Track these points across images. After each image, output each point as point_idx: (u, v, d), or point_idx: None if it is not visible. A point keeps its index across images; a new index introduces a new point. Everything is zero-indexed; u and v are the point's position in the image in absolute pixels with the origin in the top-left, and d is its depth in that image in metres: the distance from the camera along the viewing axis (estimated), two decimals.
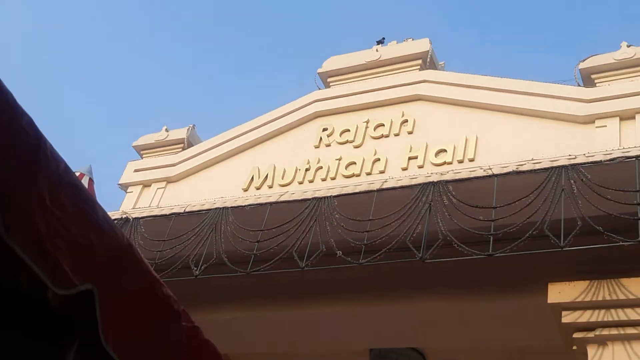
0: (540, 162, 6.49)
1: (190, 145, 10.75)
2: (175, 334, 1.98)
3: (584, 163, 6.23)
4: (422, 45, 10.04)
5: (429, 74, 9.56)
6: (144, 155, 11.00)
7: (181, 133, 10.90)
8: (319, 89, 10.30)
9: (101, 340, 1.70)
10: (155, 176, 10.46)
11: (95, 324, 1.71)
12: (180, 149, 10.72)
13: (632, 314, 6.16)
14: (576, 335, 6.34)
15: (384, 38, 10.49)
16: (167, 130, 11.08)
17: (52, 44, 33.32)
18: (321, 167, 9.19)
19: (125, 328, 1.76)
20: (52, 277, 1.56)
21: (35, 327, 1.94)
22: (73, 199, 1.63)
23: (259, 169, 9.60)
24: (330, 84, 10.28)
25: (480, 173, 6.71)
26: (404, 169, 8.50)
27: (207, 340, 2.14)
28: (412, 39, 10.25)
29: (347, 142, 9.37)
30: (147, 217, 8.02)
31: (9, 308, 1.95)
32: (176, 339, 1.98)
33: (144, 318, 1.85)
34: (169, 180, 10.35)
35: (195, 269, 7.17)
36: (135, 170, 10.70)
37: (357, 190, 7.23)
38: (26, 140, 1.51)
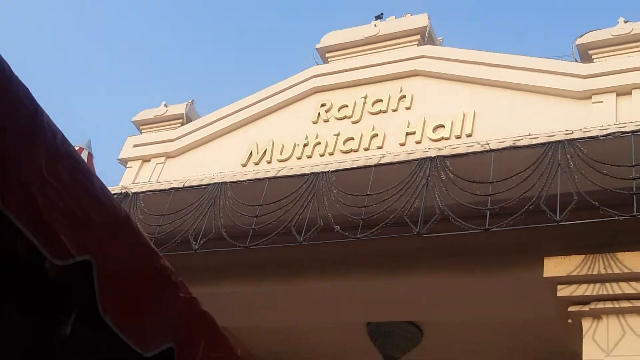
0: (537, 137, 6.48)
1: (189, 120, 10.72)
2: (173, 305, 1.99)
3: (581, 138, 6.22)
4: (420, 20, 9.98)
5: (427, 49, 9.51)
6: (143, 131, 10.98)
7: (180, 108, 10.86)
8: (317, 64, 10.25)
9: (99, 311, 1.70)
10: (155, 151, 10.44)
11: (93, 295, 1.71)
12: (179, 125, 10.69)
13: (626, 288, 6.19)
14: (571, 308, 6.37)
15: (382, 13, 10.43)
16: (166, 106, 11.04)
17: (49, 16, 33.04)
18: (319, 143, 9.18)
19: (123, 299, 1.76)
20: (49, 247, 1.56)
21: (33, 299, 1.94)
22: (70, 170, 1.62)
23: (257, 145, 9.59)
24: (329, 60, 10.22)
25: (477, 148, 6.70)
26: (402, 145, 8.49)
27: (205, 312, 2.15)
28: (411, 14, 10.18)
29: (345, 117, 9.34)
30: (146, 192, 8.02)
31: (6, 279, 1.95)
32: (174, 310, 1.98)
33: (142, 289, 1.85)
34: (168, 156, 10.34)
35: (194, 243, 7.18)
36: (135, 146, 10.68)
37: (354, 166, 7.22)
38: (23, 111, 1.50)
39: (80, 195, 1.63)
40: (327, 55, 10.27)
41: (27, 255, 1.59)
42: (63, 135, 1.64)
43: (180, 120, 10.75)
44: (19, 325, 2.17)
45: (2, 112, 1.48)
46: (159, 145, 10.50)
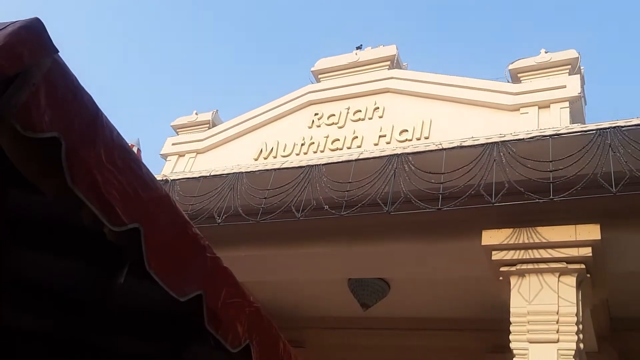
0: (478, 140, 6.49)
1: (214, 125, 10.68)
2: (201, 262, 1.98)
3: (511, 140, 6.23)
4: (390, 50, 9.95)
5: (395, 72, 9.50)
6: (179, 132, 10.93)
7: (207, 116, 10.82)
8: (312, 83, 10.22)
9: (145, 266, 1.70)
10: (188, 148, 10.41)
11: (141, 253, 1.70)
12: (207, 128, 10.66)
13: (544, 254, 6.22)
14: (502, 269, 6.40)
15: (361, 44, 10.42)
16: (196, 114, 10.99)
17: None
18: (313, 143, 9.17)
19: (163, 257, 1.76)
20: (107, 216, 1.55)
21: (96, 256, 1.93)
22: (123, 158, 1.61)
23: (266, 144, 9.57)
24: (321, 79, 10.20)
25: (433, 147, 6.70)
26: (376, 145, 8.49)
27: (226, 267, 2.14)
28: (383, 45, 10.15)
29: (333, 124, 9.33)
30: (181, 179, 7.99)
31: (76, 241, 1.94)
32: (202, 266, 1.97)
33: (178, 250, 1.84)
34: (198, 152, 10.31)
35: (217, 218, 7.16)
36: (173, 144, 10.64)
37: (340, 160, 7.21)
38: (87, 112, 1.49)
39: (130, 177, 1.62)
40: (319, 76, 10.24)
41: (91, 223, 1.58)
42: (118, 132, 1.63)
43: (207, 125, 10.70)
44: (87, 275, 2.17)
45: (72, 114, 1.47)
46: (191, 144, 10.46)
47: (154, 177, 1.86)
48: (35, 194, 1.61)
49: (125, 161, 1.62)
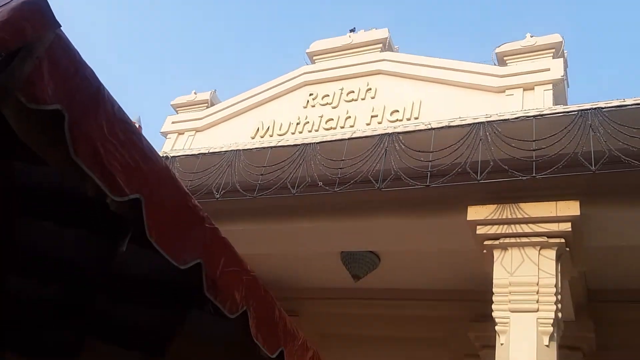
0: (465, 120, 6.48)
1: (212, 104, 10.60)
2: (200, 232, 1.98)
3: (497, 120, 6.23)
4: (382, 33, 9.86)
5: (387, 54, 9.43)
6: (178, 111, 10.84)
7: (206, 95, 10.73)
8: (307, 64, 10.14)
9: (147, 234, 1.69)
10: (187, 127, 10.34)
11: (142, 223, 1.69)
12: (205, 107, 10.58)
13: (526, 228, 6.26)
14: (486, 242, 6.45)
15: (354, 27, 10.29)
16: (195, 93, 10.90)
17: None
18: (308, 122, 9.13)
19: (164, 226, 1.76)
20: (110, 187, 1.54)
21: (100, 226, 1.93)
22: (124, 130, 1.60)
23: (262, 123, 9.51)
24: (315, 61, 10.11)
25: (422, 127, 6.69)
26: (368, 124, 8.47)
27: (224, 237, 2.14)
28: (376, 29, 10.06)
29: (327, 104, 9.28)
30: (181, 156, 7.95)
31: (80, 211, 1.94)
32: (201, 236, 1.98)
33: (178, 220, 1.84)
34: (197, 130, 10.24)
35: (216, 193, 7.16)
36: (173, 122, 10.56)
37: (333, 139, 7.19)
38: (89, 85, 1.47)
39: (131, 149, 1.61)
40: (314, 57, 10.15)
41: (94, 194, 1.57)
42: (119, 106, 1.61)
43: (206, 104, 10.63)
44: (91, 243, 2.18)
45: (74, 87, 1.45)
46: (190, 122, 10.39)
47: (154, 149, 1.84)
48: (40, 166, 1.60)
49: (126, 134, 1.61)
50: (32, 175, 1.96)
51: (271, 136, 9.11)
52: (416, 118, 8.14)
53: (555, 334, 5.81)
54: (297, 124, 9.17)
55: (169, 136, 10.41)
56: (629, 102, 5.62)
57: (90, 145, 1.45)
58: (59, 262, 2.32)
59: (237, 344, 2.69)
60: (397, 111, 8.48)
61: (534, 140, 5.85)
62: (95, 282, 2.34)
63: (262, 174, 7.05)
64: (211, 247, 2.00)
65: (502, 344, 5.89)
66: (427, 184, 6.16)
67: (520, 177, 5.84)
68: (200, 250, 1.94)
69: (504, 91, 7.83)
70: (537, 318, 5.83)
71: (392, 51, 9.81)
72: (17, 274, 2.29)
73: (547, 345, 5.70)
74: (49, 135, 1.45)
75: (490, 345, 6.65)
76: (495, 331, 6.01)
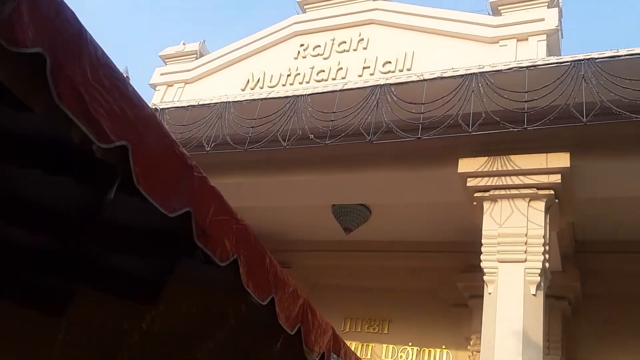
0: (458, 71, 6.43)
1: (201, 55, 10.42)
2: (189, 181, 1.98)
3: (490, 71, 6.19)
4: None
5: (380, 3, 9.24)
6: (167, 63, 10.66)
7: (195, 46, 10.53)
8: (298, 14, 9.93)
9: (135, 182, 1.69)
10: (176, 78, 10.19)
11: (130, 170, 1.69)
12: (194, 58, 10.40)
13: (516, 180, 6.33)
14: (476, 194, 6.52)
15: None
16: (184, 44, 10.69)
17: None
18: (299, 74, 9.02)
19: (152, 174, 1.75)
20: (95, 134, 1.53)
21: (87, 173, 1.92)
22: (109, 77, 1.57)
23: (252, 74, 9.40)
24: (307, 10, 9.90)
25: (414, 78, 6.64)
26: (360, 76, 8.39)
27: (213, 186, 2.14)
28: None
29: (318, 55, 9.15)
30: (170, 108, 7.88)
31: (68, 159, 1.93)
32: (190, 184, 1.98)
33: (165, 167, 1.84)
34: (186, 82, 10.11)
35: (207, 146, 7.14)
36: (161, 74, 10.40)
37: (325, 91, 7.14)
38: (70, 29, 1.44)
39: (117, 95, 1.59)
40: (305, 7, 9.93)
41: (80, 141, 1.56)
42: (103, 50, 1.58)
43: (195, 55, 10.44)
44: (79, 193, 2.17)
45: (55, 30, 1.42)
46: (179, 74, 10.24)
47: (140, 96, 1.82)
48: (25, 112, 1.58)
49: (111, 80, 1.58)
50: (17, 123, 1.94)
51: (261, 88, 9.02)
52: (408, 69, 8.07)
53: (542, 284, 5.96)
54: (288, 75, 9.07)
55: (157, 88, 10.28)
56: (622, 52, 5.59)
57: (74, 91, 1.43)
58: (47, 211, 2.32)
59: (228, 292, 2.74)
60: (389, 62, 8.39)
61: (526, 92, 5.84)
62: (85, 231, 2.36)
63: (252, 127, 7.02)
64: (200, 196, 2.00)
65: (490, 293, 6.04)
66: (419, 136, 6.16)
67: (512, 129, 5.86)
68: (189, 198, 1.94)
69: (498, 42, 7.74)
70: (525, 268, 5.96)
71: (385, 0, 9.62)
72: (3, 222, 2.30)
73: (534, 294, 5.86)
74: (32, 81, 1.43)
75: (478, 295, 6.82)
76: (483, 281, 6.15)
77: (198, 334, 3.16)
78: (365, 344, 9.33)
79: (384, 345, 9.25)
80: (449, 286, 8.73)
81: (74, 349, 3.07)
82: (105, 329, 2.97)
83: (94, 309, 2.85)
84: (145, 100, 1.87)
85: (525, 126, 5.74)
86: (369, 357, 9.13)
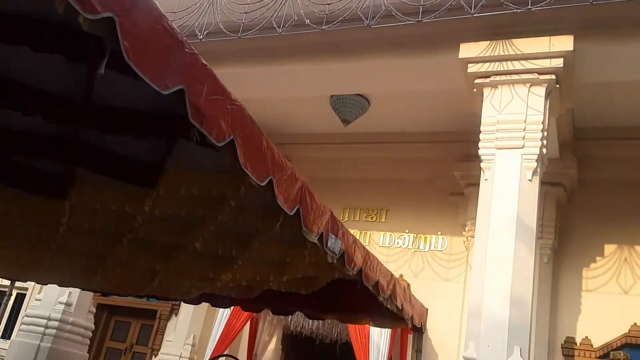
0: None
1: None
2: (180, 57, 1.96)
3: None
4: None
5: None
6: None
7: None
8: None
9: (125, 57, 1.67)
10: None
11: (119, 45, 1.67)
12: None
13: (517, 65, 6.21)
14: (476, 81, 6.42)
15: None
16: None
17: None
18: None
19: (141, 47, 1.73)
20: (80, 5, 1.50)
21: (76, 50, 1.90)
22: None
23: None
24: None
25: None
26: None
27: (206, 64, 2.12)
28: None
29: None
30: None
31: (55, 36, 1.90)
32: (182, 61, 1.96)
33: (155, 41, 1.81)
34: None
35: (199, 34, 6.94)
36: None
37: None
38: None
39: None
40: None
41: (64, 13, 1.52)
42: None
43: None
44: (69, 70, 2.15)
45: None
46: None
47: None
48: None
49: None
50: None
51: None
52: None
53: (538, 169, 6.04)
54: None
55: None
56: None
57: None
58: (38, 92, 2.31)
59: (227, 174, 2.80)
60: None
61: None
62: (78, 113, 2.36)
63: (246, 12, 6.78)
64: (193, 73, 1.99)
65: (486, 180, 6.15)
66: (419, 19, 5.98)
67: (515, 10, 5.67)
68: (181, 75, 1.93)
69: None
70: (522, 154, 6.02)
71: None
72: None
73: (530, 180, 5.96)
74: None
75: (475, 183, 6.94)
76: (480, 170, 6.24)
77: (200, 217, 3.28)
78: (363, 232, 9.68)
79: (382, 233, 9.59)
80: (446, 175, 8.88)
81: (80, 232, 3.19)
82: (109, 211, 3.07)
83: (96, 193, 2.92)
84: None
85: (529, 7, 5.56)
86: (366, 244, 9.51)
